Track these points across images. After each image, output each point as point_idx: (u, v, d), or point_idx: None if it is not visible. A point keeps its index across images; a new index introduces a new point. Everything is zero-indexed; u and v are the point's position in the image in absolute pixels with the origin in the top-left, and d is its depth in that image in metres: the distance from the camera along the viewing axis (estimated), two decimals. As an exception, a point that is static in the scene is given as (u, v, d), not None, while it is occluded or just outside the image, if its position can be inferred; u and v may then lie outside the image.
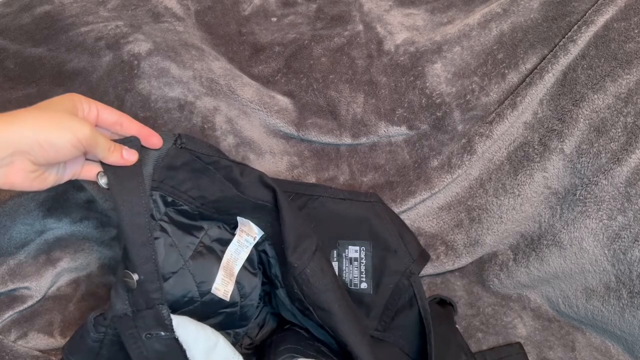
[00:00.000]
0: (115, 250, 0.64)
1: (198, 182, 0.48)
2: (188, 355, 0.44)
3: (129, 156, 0.42)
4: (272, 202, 0.49)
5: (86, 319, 0.44)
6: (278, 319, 0.60)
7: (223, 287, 0.51)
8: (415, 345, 0.55)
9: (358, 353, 0.46)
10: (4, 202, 0.58)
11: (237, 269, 0.51)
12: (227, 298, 0.52)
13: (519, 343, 0.61)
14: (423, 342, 0.55)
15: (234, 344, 0.56)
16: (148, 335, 0.42)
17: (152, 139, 0.45)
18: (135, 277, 0.42)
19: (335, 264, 0.54)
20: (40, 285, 0.59)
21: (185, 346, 0.44)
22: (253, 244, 0.51)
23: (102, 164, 0.42)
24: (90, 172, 0.43)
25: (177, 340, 0.43)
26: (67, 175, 0.42)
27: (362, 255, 0.54)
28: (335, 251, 0.54)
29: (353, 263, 0.54)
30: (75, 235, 0.62)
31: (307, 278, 0.46)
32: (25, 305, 0.58)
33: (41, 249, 0.60)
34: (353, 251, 0.54)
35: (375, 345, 0.53)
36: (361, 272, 0.54)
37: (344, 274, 0.55)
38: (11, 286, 0.57)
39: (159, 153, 0.46)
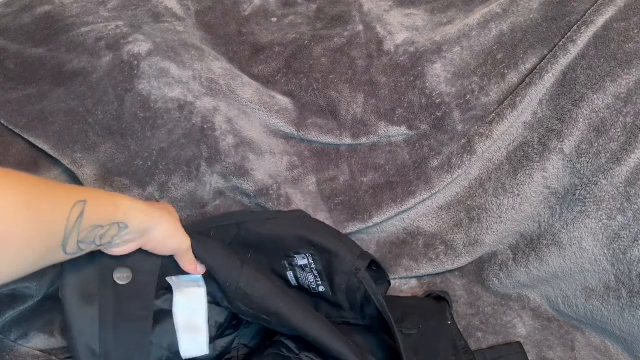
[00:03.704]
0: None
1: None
2: None
3: (202, 269, 0.47)
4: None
5: None
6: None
7: (193, 344, 0.50)
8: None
9: (321, 339, 0.47)
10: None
11: (202, 320, 0.50)
12: (207, 351, 0.50)
13: (518, 342, 0.61)
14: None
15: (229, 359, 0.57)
16: None
17: None
18: None
19: (291, 273, 0.55)
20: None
21: None
22: (204, 291, 0.49)
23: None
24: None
25: None
26: None
27: (311, 261, 0.54)
28: (285, 262, 0.55)
29: (305, 269, 0.55)
30: (75, 235, 0.62)
31: (243, 291, 0.48)
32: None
33: (42, 249, 0.60)
34: (301, 259, 0.54)
35: (355, 332, 0.55)
36: (315, 277, 0.55)
37: (301, 281, 0.56)
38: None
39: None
